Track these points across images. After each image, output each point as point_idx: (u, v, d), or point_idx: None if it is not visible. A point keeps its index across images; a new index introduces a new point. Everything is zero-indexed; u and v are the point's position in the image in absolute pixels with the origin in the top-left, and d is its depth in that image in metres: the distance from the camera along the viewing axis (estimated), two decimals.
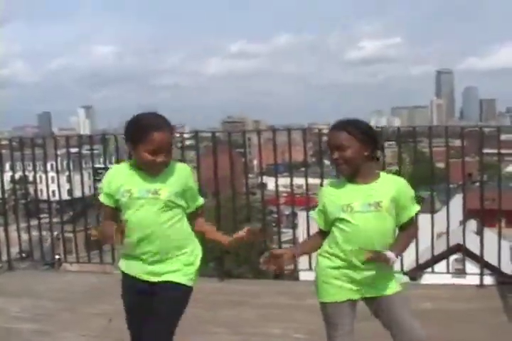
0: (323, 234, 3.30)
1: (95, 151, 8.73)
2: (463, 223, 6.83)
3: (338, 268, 3.18)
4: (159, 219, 3.16)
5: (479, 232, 6.93)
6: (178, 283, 3.19)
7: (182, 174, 3.26)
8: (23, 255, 8.17)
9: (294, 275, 9.79)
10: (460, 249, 7.32)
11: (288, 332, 4.82)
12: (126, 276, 3.32)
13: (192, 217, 3.35)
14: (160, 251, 3.18)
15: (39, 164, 8.21)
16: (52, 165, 8.33)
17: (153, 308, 3.16)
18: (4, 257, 7.52)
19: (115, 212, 3.25)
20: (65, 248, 8.25)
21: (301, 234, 7.21)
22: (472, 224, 12.04)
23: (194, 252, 3.29)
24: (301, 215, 7.64)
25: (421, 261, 6.50)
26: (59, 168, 8.39)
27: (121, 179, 3.21)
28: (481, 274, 6.14)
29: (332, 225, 3.22)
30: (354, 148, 3.14)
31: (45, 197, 8.12)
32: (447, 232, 6.55)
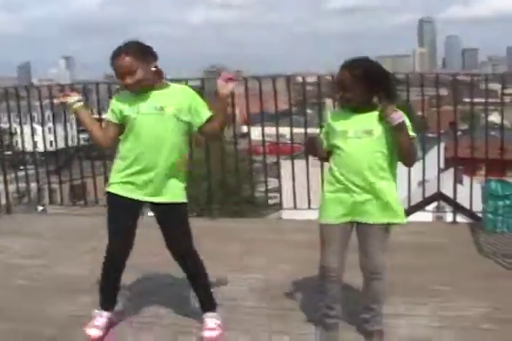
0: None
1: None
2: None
3: (335, 191, 3.42)
4: (165, 133, 3.56)
5: (458, 180, 7.30)
6: (178, 203, 3.65)
7: (183, 93, 3.67)
8: (19, 195, 8.34)
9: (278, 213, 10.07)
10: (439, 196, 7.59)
11: (273, 263, 5.08)
12: (117, 197, 3.65)
13: (204, 132, 3.70)
14: (159, 170, 3.57)
15: (21, 115, 8.18)
16: (33, 117, 8.21)
17: (163, 225, 3.70)
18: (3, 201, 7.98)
19: (117, 129, 3.68)
20: (50, 198, 8.40)
21: (285, 183, 7.32)
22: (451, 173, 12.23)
23: (184, 172, 3.71)
24: (285, 164, 7.69)
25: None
26: (39, 119, 8.24)
27: (128, 100, 3.63)
28: (454, 212, 6.70)
29: (331, 150, 3.48)
30: (356, 89, 3.31)
31: (29, 148, 8.16)
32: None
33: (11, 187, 7.95)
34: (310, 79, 7.81)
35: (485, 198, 5.99)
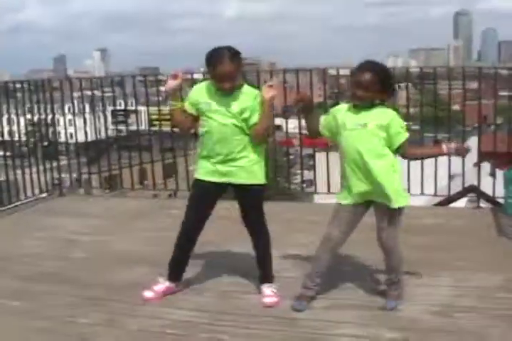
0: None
1: (109, 94, 9.05)
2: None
3: (349, 175, 3.82)
4: (229, 128, 4.00)
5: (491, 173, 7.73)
6: (255, 184, 4.11)
7: (249, 95, 4.05)
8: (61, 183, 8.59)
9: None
10: (473, 189, 7.93)
11: (315, 241, 5.44)
12: (200, 181, 4.17)
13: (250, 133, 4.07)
14: (230, 153, 4.02)
15: (56, 107, 8.46)
16: (69, 108, 8.45)
17: (240, 203, 4.18)
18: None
19: (193, 118, 4.16)
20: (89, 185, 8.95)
21: (320, 175, 7.72)
22: (487, 167, 12.37)
23: (259, 158, 4.13)
24: (320, 157, 8.09)
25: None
26: (76, 110, 8.57)
27: (204, 93, 4.10)
28: (478, 197, 7.23)
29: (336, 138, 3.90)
30: (371, 90, 3.71)
31: (63, 139, 8.50)
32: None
33: (49, 175, 8.27)
34: (343, 72, 8.08)
35: (506, 184, 6.37)
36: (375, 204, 3.87)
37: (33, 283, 4.67)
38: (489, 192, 7.24)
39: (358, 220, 3.93)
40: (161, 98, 9.13)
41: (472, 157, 8.29)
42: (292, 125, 8.03)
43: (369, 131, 3.74)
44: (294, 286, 4.15)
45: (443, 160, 6.63)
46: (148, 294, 4.23)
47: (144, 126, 9.14)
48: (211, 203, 4.19)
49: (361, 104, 3.79)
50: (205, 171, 4.13)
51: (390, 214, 3.84)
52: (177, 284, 4.34)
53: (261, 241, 4.24)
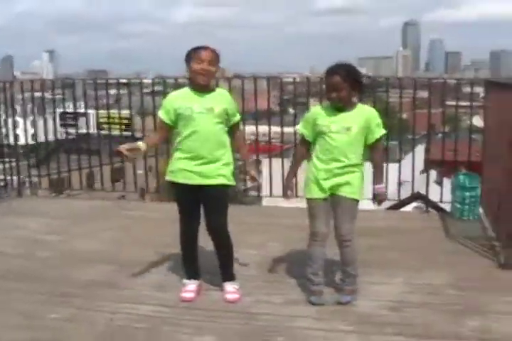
0: (308, 144, 4.27)
1: (59, 96, 9.01)
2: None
3: (319, 170, 4.13)
4: (214, 128, 4.21)
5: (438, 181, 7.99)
6: (222, 184, 4.24)
7: (225, 96, 4.35)
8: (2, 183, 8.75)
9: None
10: (419, 196, 8.37)
11: (264, 241, 5.81)
12: (176, 184, 4.30)
13: (231, 131, 4.38)
14: (209, 155, 4.18)
15: (3, 108, 8.45)
16: (16, 110, 8.57)
17: (207, 205, 4.28)
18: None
19: (168, 127, 4.28)
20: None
21: (265, 181, 8.01)
22: (434, 174, 12.72)
23: (230, 159, 4.33)
24: (265, 162, 8.40)
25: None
26: (23, 112, 8.64)
27: (182, 99, 4.25)
28: (426, 203, 7.65)
29: (316, 137, 4.17)
30: (346, 89, 4.02)
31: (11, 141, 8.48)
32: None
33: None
34: (292, 79, 8.29)
35: (454, 189, 6.72)
36: (339, 198, 4.14)
37: (0, 281, 4.79)
38: (437, 198, 7.55)
39: (330, 211, 4.20)
40: (111, 101, 9.28)
41: (420, 164, 8.71)
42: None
43: (352, 135, 4.07)
44: (254, 283, 4.38)
45: (394, 167, 7.01)
46: (187, 295, 4.40)
47: (93, 129, 9.26)
48: (197, 202, 4.30)
49: (341, 105, 4.08)
50: (183, 175, 4.25)
51: (352, 207, 4.15)
52: (200, 281, 4.53)
53: (224, 243, 4.38)
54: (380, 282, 4.65)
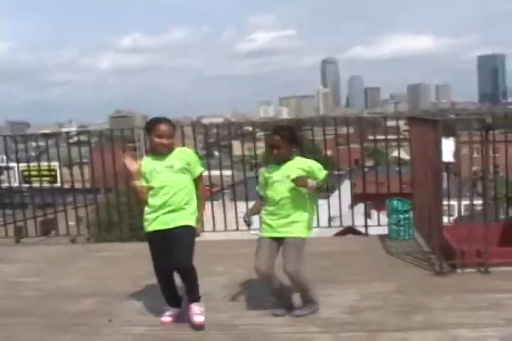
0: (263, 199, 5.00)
1: None
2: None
3: (267, 214, 4.88)
4: (175, 182, 4.79)
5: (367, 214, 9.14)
6: (187, 225, 4.76)
7: (184, 152, 4.96)
8: None
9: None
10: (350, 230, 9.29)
11: (230, 269, 6.61)
12: (149, 233, 4.85)
13: (195, 182, 4.93)
14: (174, 203, 4.76)
15: None
16: None
17: (172, 244, 4.69)
18: None
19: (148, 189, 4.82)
20: None
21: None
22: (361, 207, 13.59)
23: (194, 206, 4.88)
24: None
25: None
26: None
27: (147, 164, 4.88)
28: (366, 227, 8.62)
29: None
30: (285, 147, 4.79)
31: None
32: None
33: None
34: (216, 121, 8.93)
35: (389, 213, 7.65)
36: (285, 237, 4.76)
37: None
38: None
39: (277, 250, 4.82)
40: (33, 153, 9.57)
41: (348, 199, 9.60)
42: None
43: (291, 181, 4.70)
44: (218, 306, 5.24)
45: (323, 203, 7.79)
46: (165, 319, 4.94)
47: (17, 183, 9.37)
48: (168, 247, 4.74)
49: (282, 160, 4.81)
50: (152, 225, 4.82)
51: (295, 244, 4.75)
52: (180, 309, 4.99)
53: (190, 274, 4.74)
54: (336, 294, 5.47)
